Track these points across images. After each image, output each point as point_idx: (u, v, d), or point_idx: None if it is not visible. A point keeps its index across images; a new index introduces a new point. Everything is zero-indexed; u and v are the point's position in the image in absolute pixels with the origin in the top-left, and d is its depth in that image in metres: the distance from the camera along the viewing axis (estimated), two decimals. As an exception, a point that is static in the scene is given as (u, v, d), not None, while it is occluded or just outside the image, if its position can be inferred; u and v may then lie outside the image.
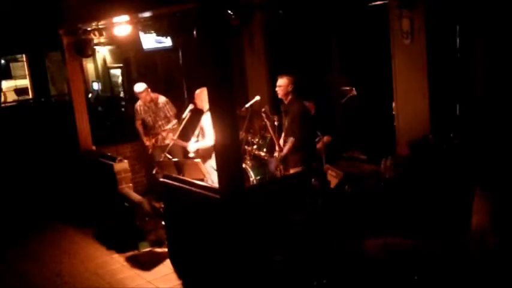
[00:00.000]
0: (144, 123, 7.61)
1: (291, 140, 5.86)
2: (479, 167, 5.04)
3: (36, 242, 6.50)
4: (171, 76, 10.03)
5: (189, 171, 5.81)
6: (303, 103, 6.02)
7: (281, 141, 6.24)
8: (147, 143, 7.56)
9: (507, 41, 5.16)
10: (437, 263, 4.29)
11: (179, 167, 5.89)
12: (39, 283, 5.39)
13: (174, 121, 7.44)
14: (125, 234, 6.07)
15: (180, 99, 8.71)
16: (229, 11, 5.88)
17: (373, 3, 6.35)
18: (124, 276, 5.32)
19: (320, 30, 7.25)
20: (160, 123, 7.50)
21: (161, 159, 6.92)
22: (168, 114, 7.49)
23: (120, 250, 5.93)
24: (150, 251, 5.86)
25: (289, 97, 5.94)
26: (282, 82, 5.92)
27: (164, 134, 7.38)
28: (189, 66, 8.98)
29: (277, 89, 6.02)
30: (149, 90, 7.45)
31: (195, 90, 7.64)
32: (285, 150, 5.89)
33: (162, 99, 7.55)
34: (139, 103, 7.58)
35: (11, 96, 12.88)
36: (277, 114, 6.77)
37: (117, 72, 12.86)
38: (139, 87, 7.41)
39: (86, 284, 5.25)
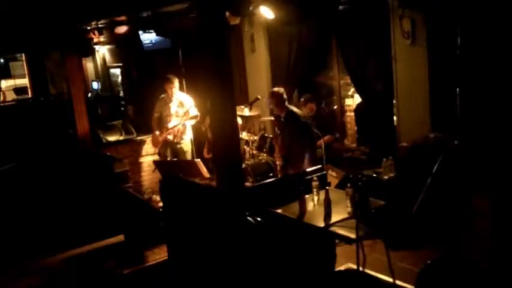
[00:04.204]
0: (159, 119, 7.46)
1: (307, 157, 5.81)
2: (480, 167, 5.02)
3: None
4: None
5: (188, 171, 5.80)
6: (298, 112, 6.05)
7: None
8: (159, 138, 7.37)
9: (508, 41, 5.15)
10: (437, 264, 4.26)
11: (179, 167, 5.88)
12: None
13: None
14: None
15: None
16: (229, 10, 5.89)
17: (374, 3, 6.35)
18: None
19: (320, 29, 7.23)
20: (175, 118, 7.33)
21: (161, 159, 6.93)
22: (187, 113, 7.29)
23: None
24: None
25: (285, 109, 5.98)
26: (274, 99, 6.00)
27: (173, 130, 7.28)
28: (189, 66, 8.96)
29: (271, 107, 6.10)
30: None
31: (195, 90, 7.63)
32: (306, 167, 5.70)
33: (186, 97, 7.43)
34: (163, 96, 7.43)
35: (10, 96, 12.85)
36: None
37: (116, 72, 12.84)
38: (171, 79, 7.31)
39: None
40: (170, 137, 7.23)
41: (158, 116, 7.45)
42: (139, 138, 8.31)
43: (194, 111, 7.16)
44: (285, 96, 6.03)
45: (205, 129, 7.23)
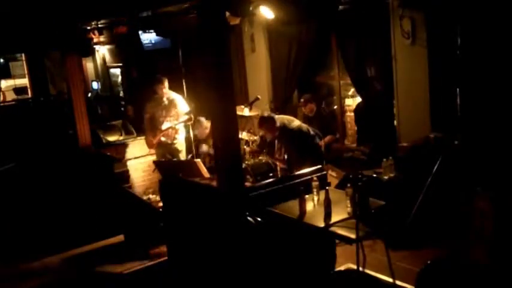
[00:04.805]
0: (151, 119, 7.34)
1: (307, 160, 5.79)
2: (481, 167, 5.02)
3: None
4: (171, 76, 10.00)
5: (188, 171, 5.79)
6: (287, 123, 6.00)
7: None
8: (154, 141, 7.29)
9: (508, 41, 5.15)
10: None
11: (178, 167, 5.87)
12: None
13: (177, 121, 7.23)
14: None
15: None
16: (229, 10, 5.88)
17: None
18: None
19: (320, 29, 7.23)
20: (168, 119, 7.25)
21: (160, 159, 6.92)
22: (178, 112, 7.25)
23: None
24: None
25: (277, 130, 5.93)
26: (266, 130, 5.96)
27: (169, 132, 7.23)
28: (189, 66, 8.96)
29: (264, 135, 6.10)
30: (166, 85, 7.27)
31: (195, 90, 7.61)
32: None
33: (177, 96, 7.34)
34: (155, 96, 7.33)
35: (10, 96, 12.84)
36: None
37: (116, 72, 12.85)
38: (161, 79, 7.22)
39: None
40: (163, 139, 7.21)
41: (149, 117, 7.33)
42: (139, 138, 8.29)
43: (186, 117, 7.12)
44: (275, 120, 5.94)
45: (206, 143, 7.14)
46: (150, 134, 7.34)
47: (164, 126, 7.20)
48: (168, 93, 7.26)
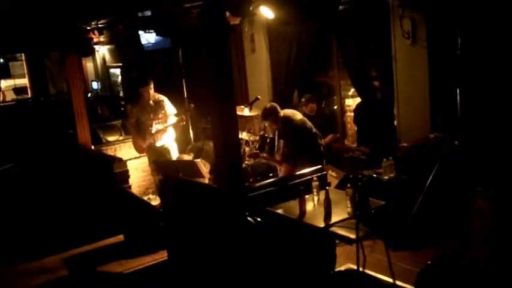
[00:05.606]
0: (138, 123, 7.19)
1: (306, 157, 5.81)
2: (481, 167, 5.03)
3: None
4: (171, 76, 10.01)
5: (187, 171, 5.79)
6: (291, 115, 6.00)
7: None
8: (143, 144, 7.18)
9: (508, 42, 5.15)
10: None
11: (177, 167, 5.87)
12: None
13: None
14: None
15: (180, 99, 8.69)
16: (229, 10, 5.88)
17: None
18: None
19: (320, 29, 7.23)
20: (156, 122, 7.13)
21: (159, 159, 6.90)
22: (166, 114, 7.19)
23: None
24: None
25: (279, 120, 5.94)
26: (270, 121, 5.96)
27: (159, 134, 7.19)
28: (189, 66, 8.97)
29: (267, 127, 6.10)
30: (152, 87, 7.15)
31: (195, 90, 7.60)
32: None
33: (162, 97, 7.23)
34: (140, 100, 7.20)
35: (10, 96, 12.85)
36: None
37: (116, 72, 12.86)
38: (148, 81, 7.12)
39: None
40: (152, 141, 7.15)
41: (135, 121, 7.18)
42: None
43: (173, 119, 7.08)
44: (278, 109, 5.96)
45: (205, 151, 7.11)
46: (138, 138, 7.19)
47: (154, 129, 7.08)
48: (154, 94, 7.12)
